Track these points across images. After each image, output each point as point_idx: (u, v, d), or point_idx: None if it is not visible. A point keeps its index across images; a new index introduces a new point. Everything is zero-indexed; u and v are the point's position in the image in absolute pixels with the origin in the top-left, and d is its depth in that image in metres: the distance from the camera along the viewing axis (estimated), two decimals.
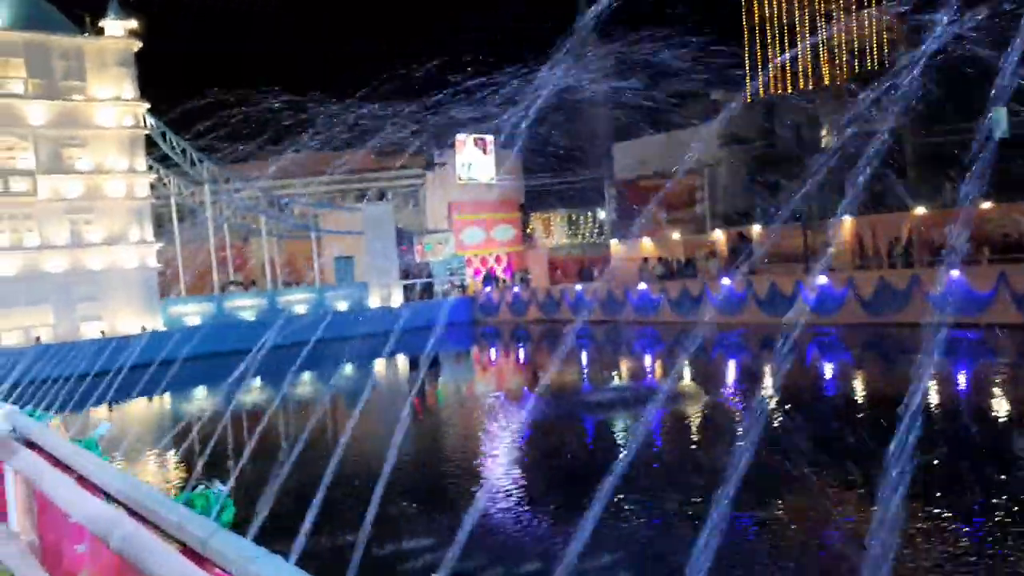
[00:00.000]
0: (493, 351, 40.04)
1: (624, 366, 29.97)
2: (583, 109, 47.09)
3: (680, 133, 44.29)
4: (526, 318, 44.61)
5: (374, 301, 45.07)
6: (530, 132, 49.03)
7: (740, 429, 17.40)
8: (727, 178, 43.50)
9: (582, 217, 54.80)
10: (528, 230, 56.31)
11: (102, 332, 35.87)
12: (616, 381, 25.48)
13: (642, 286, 39.30)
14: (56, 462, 2.76)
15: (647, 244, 45.43)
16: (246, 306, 41.41)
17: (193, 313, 39.51)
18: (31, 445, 2.98)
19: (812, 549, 10.45)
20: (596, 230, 54.00)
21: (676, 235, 43.94)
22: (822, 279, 31.24)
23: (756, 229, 40.35)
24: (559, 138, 47.88)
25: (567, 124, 46.69)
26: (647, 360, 30.99)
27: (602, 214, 52.71)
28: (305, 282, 47.62)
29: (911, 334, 25.90)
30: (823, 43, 45.03)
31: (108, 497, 2.47)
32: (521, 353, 38.52)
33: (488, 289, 48.99)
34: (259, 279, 48.03)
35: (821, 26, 45.41)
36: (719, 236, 42.52)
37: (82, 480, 2.65)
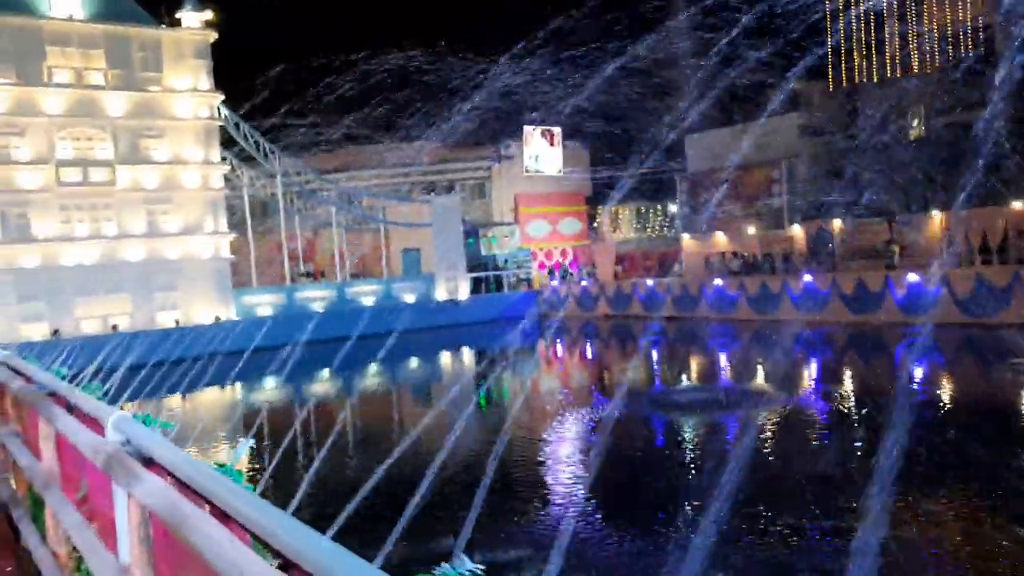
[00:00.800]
0: (559, 346, 39.32)
1: (702, 365, 28.94)
2: (655, 98, 45.99)
3: (756, 124, 42.84)
4: (594, 313, 43.76)
5: (440, 294, 44.79)
6: (599, 123, 48.36)
7: (837, 435, 16.38)
8: (806, 170, 41.83)
9: (652, 210, 53.58)
10: (595, 223, 55.37)
11: (176, 321, 36.33)
12: (694, 381, 24.59)
13: (718, 282, 38.09)
14: (183, 487, 2.15)
15: (720, 238, 44.09)
16: (316, 297, 41.52)
17: (265, 304, 39.77)
18: (149, 463, 2.37)
19: None
20: (666, 224, 52.73)
21: (752, 229, 42.51)
22: (912, 277, 29.66)
23: (837, 224, 38.73)
24: (629, 129, 46.92)
25: (638, 115, 45.67)
26: (726, 359, 29.86)
27: (673, 207, 51.44)
28: (372, 274, 47.72)
29: (1013, 335, 24.33)
30: (911, 28, 42.89)
31: (256, 539, 1.81)
32: (589, 349, 37.71)
33: (554, 283, 48.30)
34: (327, 271, 48.26)
35: (910, 10, 43.15)
36: (797, 231, 40.96)
37: (216, 512, 2.00)
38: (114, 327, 34.71)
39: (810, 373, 25.34)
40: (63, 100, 34.60)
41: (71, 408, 3.81)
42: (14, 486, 5.69)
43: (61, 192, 34.36)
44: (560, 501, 12.90)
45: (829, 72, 44.50)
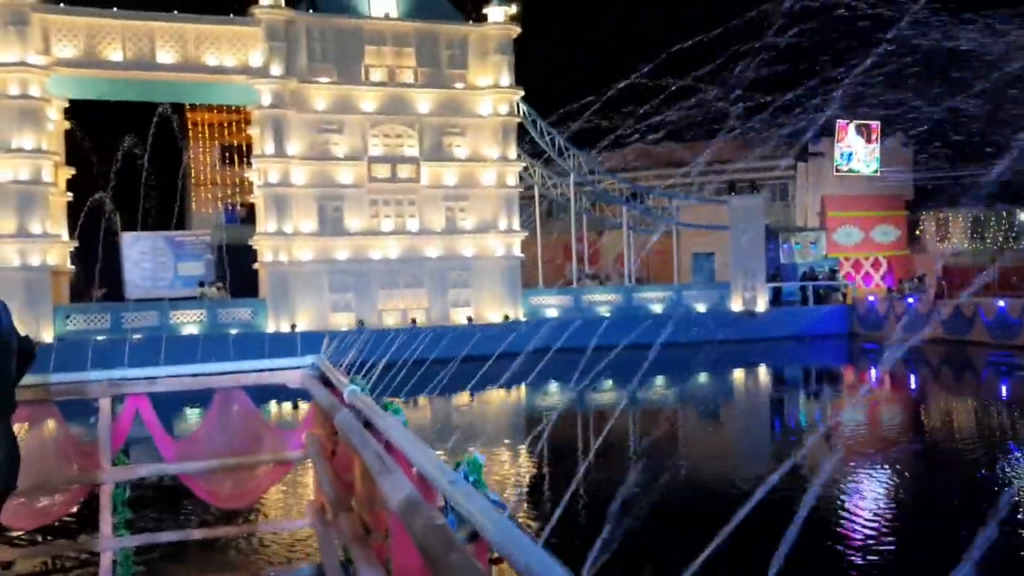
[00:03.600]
0: (879, 373, 33.89)
1: None
2: (1001, 89, 38.45)
3: None
4: (923, 336, 37.46)
5: (735, 304, 40.92)
6: (927, 116, 41.61)
7: None
8: None
9: (993, 218, 45.40)
10: (916, 231, 48.17)
11: (469, 319, 36.15)
12: None
13: None
14: None
15: None
16: (602, 301, 39.63)
17: (553, 305, 38.59)
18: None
19: None
20: (1011, 234, 44.39)
21: None
22: None
23: None
24: (963, 123, 39.80)
25: (974, 107, 38.47)
26: None
27: (1023, 215, 43.14)
28: (656, 279, 45.05)
29: None
30: None
31: None
32: (922, 380, 31.98)
33: (872, 298, 42.34)
34: (610, 274, 46.45)
35: None
36: None
37: None
38: (413, 321, 35.17)
39: None
40: (377, 98, 35.63)
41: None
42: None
43: (371, 188, 35.41)
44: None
45: None
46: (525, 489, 15.68)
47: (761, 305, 41.04)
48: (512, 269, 37.62)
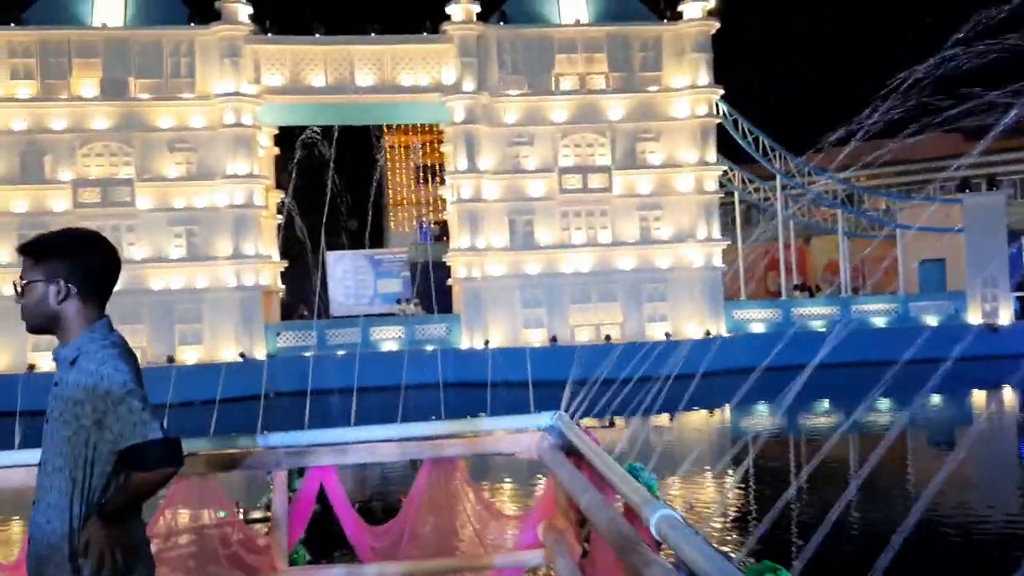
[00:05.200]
0: None
1: None
2: None
3: None
4: None
5: (973, 316, 35.95)
6: None
7: None
8: None
9: None
10: None
11: (667, 334, 34.13)
12: None
13: None
14: None
15: None
16: (815, 314, 36.13)
17: (758, 319, 35.67)
18: None
19: None
20: None
21: None
22: None
23: None
24: None
25: None
26: None
27: None
28: (875, 289, 40.64)
29: None
30: None
31: None
32: None
33: None
34: (819, 284, 42.62)
35: None
36: None
37: None
38: (607, 337, 33.68)
39: None
40: (568, 107, 34.62)
41: None
42: None
43: (562, 199, 34.39)
44: None
45: None
46: (731, 520, 14.27)
47: (1005, 317, 35.79)
48: (713, 280, 35.17)
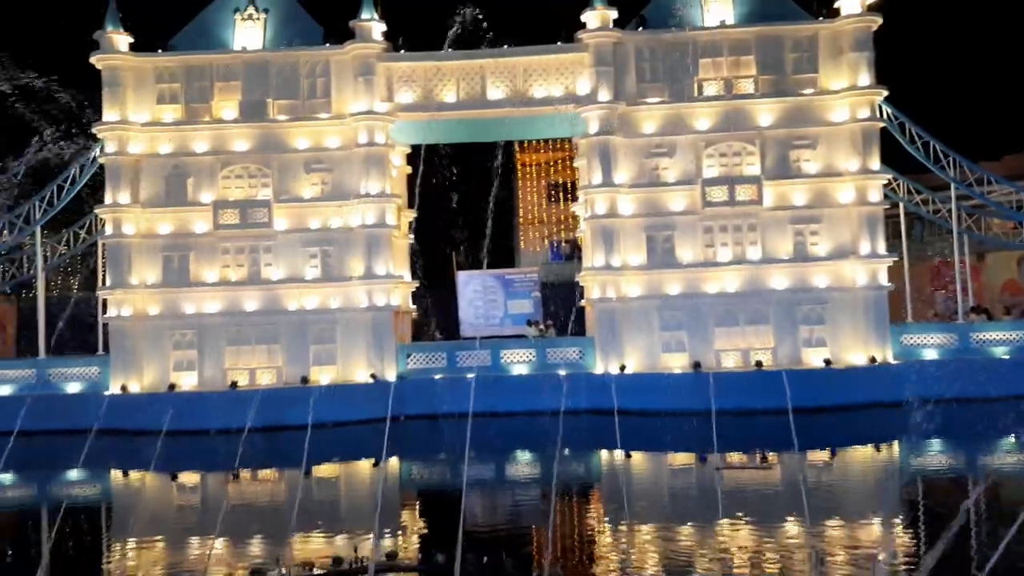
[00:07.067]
0: None
1: None
2: None
3: None
4: None
5: None
6: None
7: None
8: None
9: None
10: None
11: (826, 361, 30.91)
12: None
13: None
14: None
15: None
16: (997, 339, 31.86)
17: (931, 345, 31.79)
18: None
19: None
20: None
21: None
22: None
23: None
24: None
25: None
26: None
27: None
28: None
29: None
30: None
31: None
32: None
33: None
34: (992, 305, 37.94)
35: None
36: None
37: None
38: (758, 364, 30.85)
39: None
40: (711, 114, 32.29)
41: None
42: None
43: (706, 214, 31.97)
44: None
45: None
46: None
47: None
48: (878, 301, 31.66)
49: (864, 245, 31.71)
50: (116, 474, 24.96)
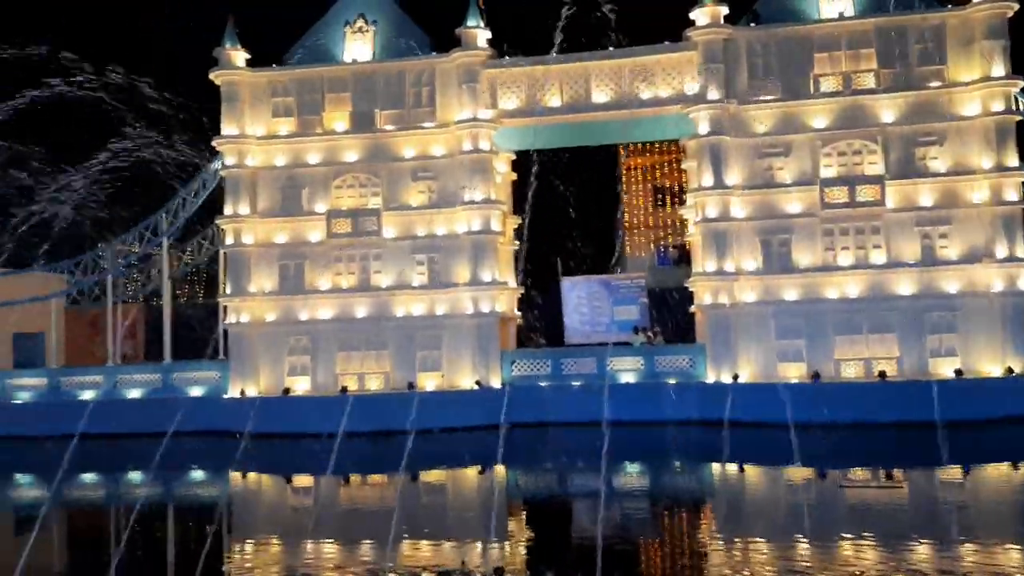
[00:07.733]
0: None
1: None
2: None
3: None
4: None
5: None
6: None
7: None
8: None
9: None
10: None
11: (958, 371, 28.86)
12: None
13: None
14: None
15: None
16: None
17: None
18: None
19: None
20: None
21: None
22: None
23: None
24: None
25: None
26: None
27: None
28: None
29: None
30: None
31: None
32: None
33: None
34: None
35: None
36: None
37: None
38: (881, 374, 29.10)
39: None
40: (829, 111, 30.78)
41: None
42: None
43: (825, 216, 30.46)
44: None
45: None
46: None
47: None
48: (1017, 308, 29.36)
49: (1000, 248, 29.48)
50: (235, 476, 25.80)
